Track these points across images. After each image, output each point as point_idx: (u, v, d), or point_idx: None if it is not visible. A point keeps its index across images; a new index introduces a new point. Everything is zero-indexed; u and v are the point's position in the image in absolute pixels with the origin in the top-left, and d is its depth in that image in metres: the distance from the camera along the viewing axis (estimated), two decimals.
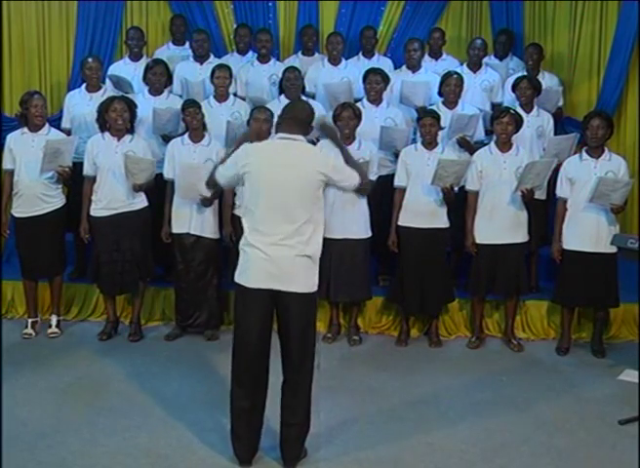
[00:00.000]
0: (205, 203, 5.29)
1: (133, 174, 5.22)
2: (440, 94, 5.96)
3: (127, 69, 6.51)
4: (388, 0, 7.21)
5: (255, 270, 3.59)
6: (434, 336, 5.59)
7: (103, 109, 5.29)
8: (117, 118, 5.25)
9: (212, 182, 3.82)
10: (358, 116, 5.35)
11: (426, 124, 5.34)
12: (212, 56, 6.69)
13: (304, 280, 3.61)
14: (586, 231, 5.20)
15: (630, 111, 6.53)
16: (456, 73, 5.95)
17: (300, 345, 3.65)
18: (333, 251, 5.37)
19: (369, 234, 5.46)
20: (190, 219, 5.40)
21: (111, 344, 5.48)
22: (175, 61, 6.57)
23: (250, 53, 6.81)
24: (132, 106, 5.35)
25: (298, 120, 3.66)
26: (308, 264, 3.61)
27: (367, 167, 5.23)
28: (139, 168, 5.23)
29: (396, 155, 5.65)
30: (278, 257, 3.54)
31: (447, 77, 5.90)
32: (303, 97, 6.10)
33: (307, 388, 3.73)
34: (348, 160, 3.76)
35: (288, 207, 3.54)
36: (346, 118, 5.30)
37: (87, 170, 5.39)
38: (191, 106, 5.44)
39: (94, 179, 5.37)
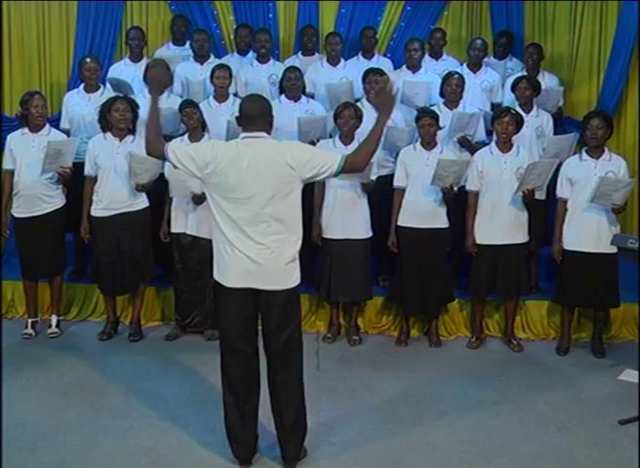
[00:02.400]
0: (196, 200, 5.25)
1: (137, 173, 5.22)
2: (442, 94, 5.96)
3: (127, 70, 6.51)
4: (388, 0, 7.22)
5: (234, 269, 3.55)
6: (434, 336, 5.59)
7: (106, 109, 5.28)
8: (120, 118, 5.24)
9: (154, 150, 3.57)
10: (359, 117, 5.35)
11: (425, 124, 5.34)
12: (212, 56, 6.69)
13: (285, 278, 3.57)
14: (587, 231, 5.20)
15: (630, 111, 6.54)
16: (457, 73, 5.95)
17: (286, 342, 3.61)
18: (333, 251, 5.37)
19: (369, 234, 5.46)
20: (187, 219, 5.40)
21: (111, 344, 5.49)
22: (175, 62, 6.55)
23: (250, 53, 6.81)
24: (134, 107, 5.35)
25: (254, 117, 3.55)
26: (287, 262, 3.55)
27: (369, 168, 5.23)
28: (143, 167, 5.22)
29: (396, 155, 5.65)
30: (257, 257, 3.50)
31: (448, 77, 5.91)
32: (303, 97, 6.12)
33: (298, 387, 3.69)
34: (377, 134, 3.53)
35: (261, 207, 3.47)
36: (347, 116, 5.30)
37: (88, 170, 5.39)
38: (188, 106, 5.45)
39: (95, 179, 5.37)
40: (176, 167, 3.63)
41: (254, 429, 3.76)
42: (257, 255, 3.50)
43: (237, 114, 3.70)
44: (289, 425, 3.69)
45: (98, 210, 5.37)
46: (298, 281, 3.64)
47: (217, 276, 3.63)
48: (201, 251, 5.42)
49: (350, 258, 5.38)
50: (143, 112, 5.51)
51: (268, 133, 3.59)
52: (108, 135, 5.35)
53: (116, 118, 5.25)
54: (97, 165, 5.34)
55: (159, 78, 3.73)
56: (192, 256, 5.46)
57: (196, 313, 5.57)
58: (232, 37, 7.06)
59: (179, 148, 3.63)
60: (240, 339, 3.63)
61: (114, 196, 5.32)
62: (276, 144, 3.58)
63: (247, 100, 3.69)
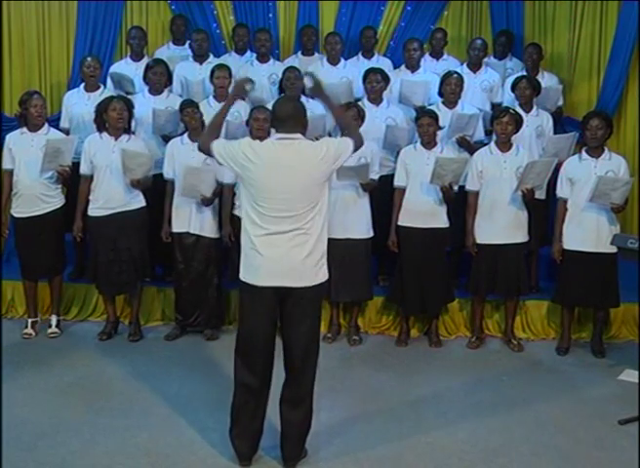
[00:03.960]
0: (205, 202, 5.29)
1: (130, 169, 5.21)
2: (440, 93, 5.96)
3: (128, 69, 6.50)
4: (388, 0, 7.22)
5: (264, 268, 3.57)
6: (434, 336, 5.59)
7: (102, 109, 5.28)
8: (117, 118, 5.24)
9: (205, 147, 3.71)
10: (362, 117, 5.35)
11: (424, 123, 5.34)
12: (211, 55, 6.69)
13: (313, 275, 3.62)
14: (587, 231, 5.20)
15: (630, 111, 6.54)
16: (456, 73, 5.95)
17: (307, 341, 3.67)
18: (334, 251, 5.30)
19: (370, 234, 5.46)
20: (190, 219, 5.40)
21: (111, 344, 5.48)
22: (175, 61, 6.57)
23: (248, 52, 6.82)
24: (129, 106, 5.36)
25: (286, 118, 3.61)
26: (317, 260, 3.61)
27: (367, 169, 5.24)
28: (136, 163, 5.22)
29: (397, 154, 5.65)
30: (287, 256, 3.54)
31: (447, 77, 5.90)
32: (303, 98, 6.10)
33: (310, 386, 3.74)
34: (340, 115, 3.88)
35: (294, 206, 3.53)
36: (350, 117, 5.29)
37: (84, 169, 5.39)
38: (189, 106, 5.45)
39: (90, 178, 5.37)
40: (220, 163, 3.71)
41: (260, 424, 3.76)
42: (286, 255, 3.55)
43: (237, 113, 3.73)
44: (298, 423, 3.71)
45: (94, 209, 5.36)
46: (326, 276, 3.69)
47: (244, 276, 3.65)
48: (204, 250, 5.44)
49: (351, 258, 5.38)
50: (141, 111, 5.55)
51: (303, 134, 3.65)
52: (104, 134, 5.34)
53: (113, 118, 5.25)
54: (92, 164, 5.34)
55: (239, 90, 3.85)
56: (195, 255, 5.45)
57: (199, 312, 5.56)
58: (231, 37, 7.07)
59: (222, 146, 3.68)
60: (262, 336, 3.65)
61: (110, 195, 5.31)
62: (312, 145, 3.66)
63: (278, 102, 3.79)
